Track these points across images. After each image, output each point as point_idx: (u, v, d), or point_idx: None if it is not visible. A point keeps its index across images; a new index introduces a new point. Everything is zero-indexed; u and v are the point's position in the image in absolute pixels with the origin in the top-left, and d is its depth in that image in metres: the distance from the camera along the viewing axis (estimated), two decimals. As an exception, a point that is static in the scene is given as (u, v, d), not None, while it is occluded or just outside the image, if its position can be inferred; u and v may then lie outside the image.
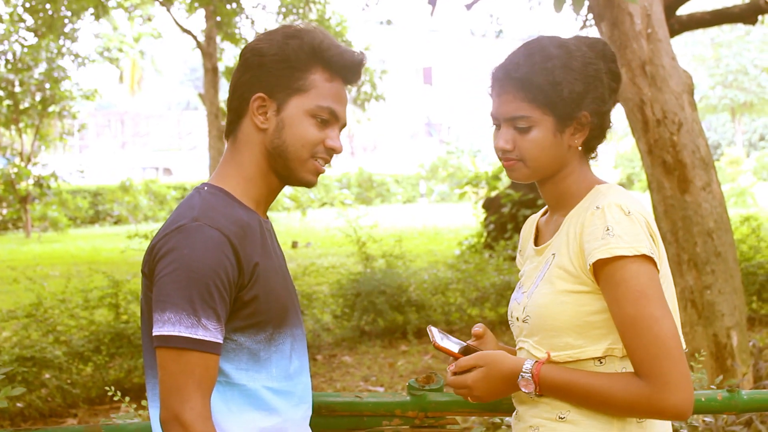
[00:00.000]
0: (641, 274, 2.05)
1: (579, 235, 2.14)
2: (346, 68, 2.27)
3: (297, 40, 2.23)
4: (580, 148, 2.25)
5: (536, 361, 2.15)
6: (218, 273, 2.06)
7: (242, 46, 18.47)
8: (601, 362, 2.14)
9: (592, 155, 2.31)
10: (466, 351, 2.29)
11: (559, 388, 2.13)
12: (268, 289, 2.19)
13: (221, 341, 2.09)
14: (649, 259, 2.07)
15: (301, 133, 2.23)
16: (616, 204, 2.11)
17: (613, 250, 2.06)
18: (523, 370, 2.15)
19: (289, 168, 2.25)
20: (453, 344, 2.32)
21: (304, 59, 2.23)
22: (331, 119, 2.26)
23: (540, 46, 2.23)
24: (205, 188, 2.24)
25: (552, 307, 2.16)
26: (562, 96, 2.18)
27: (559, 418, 2.17)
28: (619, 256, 2.05)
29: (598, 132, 2.26)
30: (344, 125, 2.32)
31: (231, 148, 2.29)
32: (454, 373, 2.24)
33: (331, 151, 2.28)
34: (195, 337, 2.03)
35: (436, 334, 2.32)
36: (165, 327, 2.04)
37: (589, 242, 2.10)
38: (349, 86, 2.31)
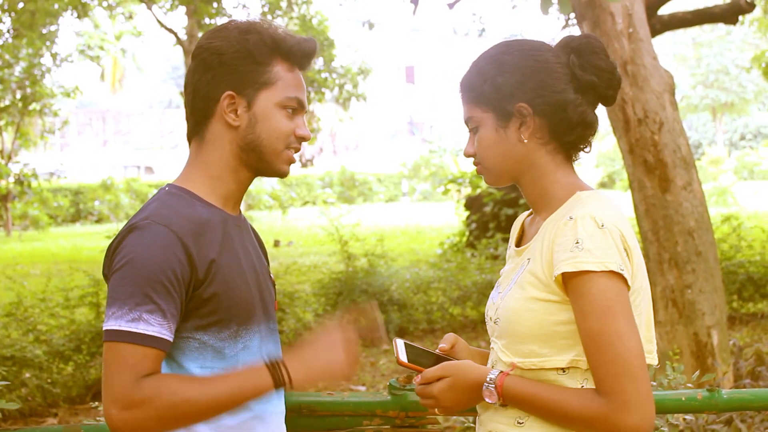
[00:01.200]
0: (608, 289, 2.00)
1: (551, 244, 2.10)
2: (305, 57, 2.29)
3: (255, 35, 2.23)
4: (526, 141, 2.18)
5: (500, 372, 2.12)
6: (164, 269, 2.06)
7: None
8: (564, 372, 2.10)
9: (575, 156, 2.25)
10: (437, 360, 2.28)
11: (521, 400, 2.09)
12: (230, 286, 2.18)
13: (167, 338, 2.07)
14: (617, 275, 2.01)
15: (275, 125, 2.24)
16: (590, 215, 2.05)
17: (579, 264, 2.01)
18: (487, 380, 2.12)
19: (264, 161, 2.26)
20: (423, 354, 2.30)
21: (266, 53, 2.23)
22: (299, 108, 2.28)
23: (487, 49, 2.24)
24: (167, 188, 2.25)
25: (520, 313, 2.12)
26: (485, 90, 2.17)
27: (518, 423, 2.14)
28: (585, 271, 2.01)
29: (562, 124, 2.18)
30: (306, 112, 2.34)
31: (196, 149, 2.28)
32: (420, 384, 2.21)
33: (302, 140, 2.30)
34: (135, 330, 2.03)
35: (400, 348, 2.27)
36: (109, 322, 2.05)
37: (558, 253, 2.05)
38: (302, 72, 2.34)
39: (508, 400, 2.11)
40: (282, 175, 2.29)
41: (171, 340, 2.09)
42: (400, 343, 2.29)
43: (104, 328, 2.06)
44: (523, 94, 2.16)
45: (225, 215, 2.25)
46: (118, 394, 2.02)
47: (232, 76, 2.21)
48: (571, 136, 2.21)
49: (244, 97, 2.22)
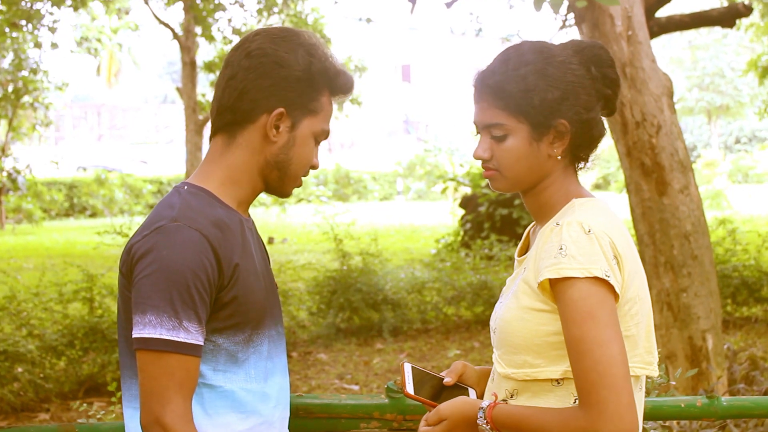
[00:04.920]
0: (591, 295, 1.97)
1: (539, 251, 2.08)
2: (346, 94, 2.29)
3: (318, 62, 2.21)
4: (559, 157, 2.16)
5: (488, 405, 2.10)
6: (198, 274, 2.05)
7: (217, 44, 18.31)
8: (558, 383, 2.09)
9: (580, 165, 2.23)
10: (442, 387, 2.27)
11: (510, 427, 2.06)
12: (247, 290, 2.17)
13: (202, 343, 2.08)
14: (602, 282, 1.98)
15: (306, 153, 2.25)
16: (578, 221, 2.03)
17: (562, 270, 1.98)
18: (478, 417, 2.10)
19: (282, 181, 2.26)
20: (430, 381, 2.28)
21: (321, 83, 2.22)
22: (323, 140, 2.29)
23: (517, 51, 2.17)
24: (185, 187, 2.22)
25: (513, 323, 2.10)
26: (533, 104, 2.11)
27: None
28: (568, 277, 1.98)
29: (585, 141, 2.17)
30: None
31: (222, 147, 2.25)
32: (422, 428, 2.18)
33: (313, 168, 2.31)
34: (176, 339, 2.02)
35: (408, 376, 2.25)
36: (146, 329, 2.02)
37: (543, 260, 2.03)
38: None
39: (502, 429, 2.08)
40: (287, 196, 2.30)
41: (203, 344, 2.10)
42: (407, 369, 2.27)
43: (141, 336, 2.03)
44: (564, 112, 2.13)
45: (241, 218, 2.25)
46: (168, 414, 2.02)
47: (289, 94, 2.19)
48: (587, 151, 2.20)
49: (291, 118, 2.21)
